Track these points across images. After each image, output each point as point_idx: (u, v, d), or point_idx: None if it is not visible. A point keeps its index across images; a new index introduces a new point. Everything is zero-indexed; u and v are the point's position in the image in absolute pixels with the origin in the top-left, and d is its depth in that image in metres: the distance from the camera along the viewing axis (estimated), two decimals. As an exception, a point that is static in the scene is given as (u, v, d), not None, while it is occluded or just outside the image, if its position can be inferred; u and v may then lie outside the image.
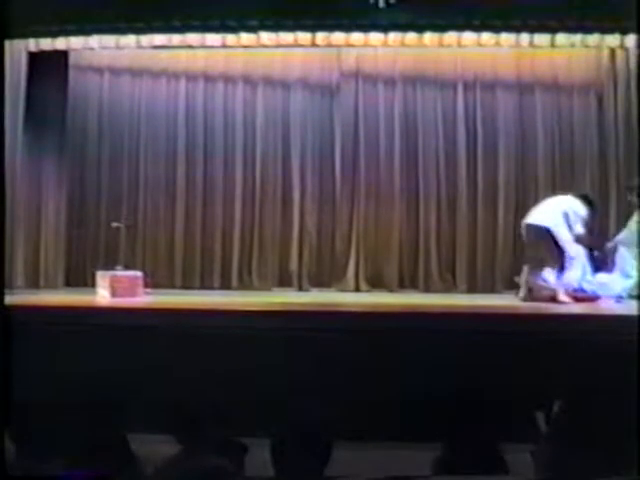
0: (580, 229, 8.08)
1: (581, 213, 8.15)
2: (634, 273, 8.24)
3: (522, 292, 8.52)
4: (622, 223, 8.83)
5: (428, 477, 2.74)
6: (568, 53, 9.75)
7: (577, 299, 8.08)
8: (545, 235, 8.08)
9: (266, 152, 10.36)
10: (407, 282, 10.20)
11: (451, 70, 10.25)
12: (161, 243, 10.35)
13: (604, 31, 8.41)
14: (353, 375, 5.94)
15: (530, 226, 8.28)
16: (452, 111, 10.27)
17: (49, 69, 9.41)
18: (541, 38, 8.54)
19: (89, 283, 9.27)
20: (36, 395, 3.25)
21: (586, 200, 8.23)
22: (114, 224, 9.45)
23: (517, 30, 8.46)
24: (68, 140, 10.05)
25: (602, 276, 8.42)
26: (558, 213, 8.10)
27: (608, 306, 7.92)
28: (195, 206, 10.33)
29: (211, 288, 10.07)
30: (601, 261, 8.49)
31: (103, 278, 8.54)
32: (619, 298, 8.10)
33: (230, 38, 8.69)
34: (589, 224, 8.23)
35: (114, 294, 8.24)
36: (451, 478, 2.70)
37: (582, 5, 8.04)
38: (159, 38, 8.76)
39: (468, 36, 8.52)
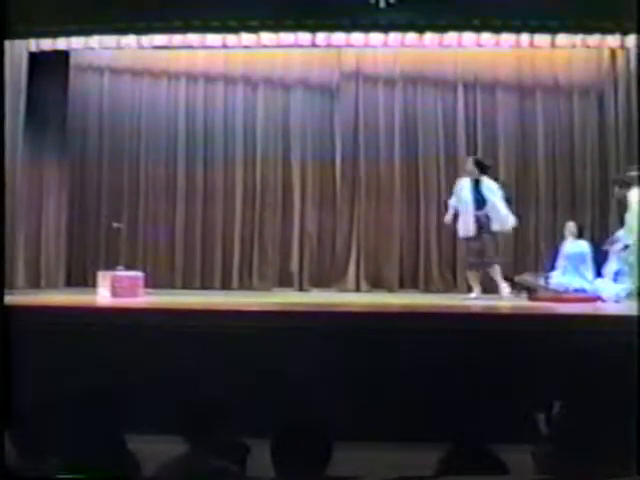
0: None
1: None
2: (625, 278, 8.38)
3: (505, 291, 8.69)
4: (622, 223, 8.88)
5: (429, 477, 2.74)
6: (568, 53, 9.75)
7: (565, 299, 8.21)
8: None
9: (266, 152, 10.36)
10: (407, 282, 10.20)
11: (451, 70, 10.25)
12: (162, 243, 10.35)
13: (604, 31, 8.40)
14: (353, 375, 5.94)
15: None
16: (452, 111, 10.28)
17: (50, 69, 9.41)
18: (541, 38, 8.53)
19: (90, 283, 9.29)
20: (36, 395, 3.25)
21: None
22: (115, 224, 9.47)
23: (517, 30, 8.45)
24: (69, 140, 10.07)
25: (599, 281, 8.51)
26: None
27: (608, 307, 7.94)
28: (195, 206, 10.33)
29: (212, 288, 10.08)
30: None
31: (104, 278, 8.55)
32: (617, 299, 8.11)
33: (230, 38, 8.69)
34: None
35: (115, 294, 8.25)
36: (451, 478, 2.70)
37: (582, 5, 8.03)
38: (159, 38, 8.76)
39: (468, 36, 8.52)
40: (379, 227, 10.25)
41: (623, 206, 8.73)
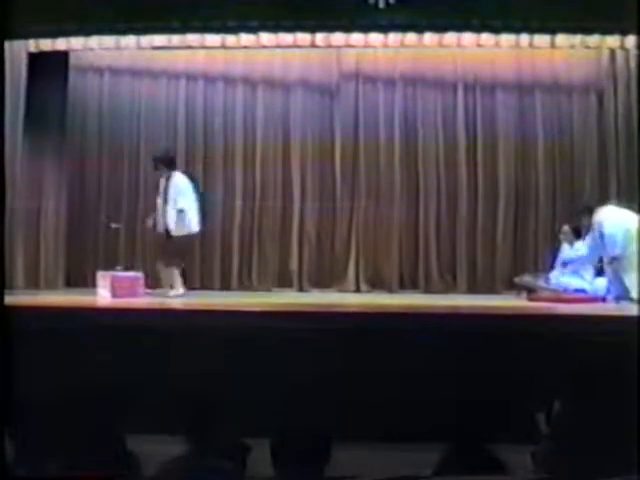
0: None
1: None
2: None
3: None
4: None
5: (428, 477, 2.74)
6: (568, 54, 9.74)
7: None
8: None
9: (266, 152, 10.35)
10: (407, 283, 10.19)
11: (451, 71, 10.24)
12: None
13: (604, 32, 8.40)
14: (353, 375, 5.94)
15: None
16: (452, 112, 10.27)
17: (49, 70, 9.39)
18: (541, 39, 8.52)
19: (89, 283, 9.27)
20: (36, 395, 3.25)
21: None
22: (113, 225, 9.47)
23: (517, 31, 8.45)
24: (68, 140, 10.04)
25: (599, 281, 8.51)
26: None
27: (608, 307, 7.93)
28: (194, 206, 10.31)
29: (211, 288, 10.06)
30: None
31: (103, 278, 8.56)
32: (618, 299, 8.09)
33: (230, 39, 8.68)
34: None
35: (115, 294, 8.25)
36: (451, 478, 2.71)
37: (582, 6, 8.03)
38: (159, 39, 8.75)
39: (468, 37, 8.50)
40: (379, 227, 10.23)
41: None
